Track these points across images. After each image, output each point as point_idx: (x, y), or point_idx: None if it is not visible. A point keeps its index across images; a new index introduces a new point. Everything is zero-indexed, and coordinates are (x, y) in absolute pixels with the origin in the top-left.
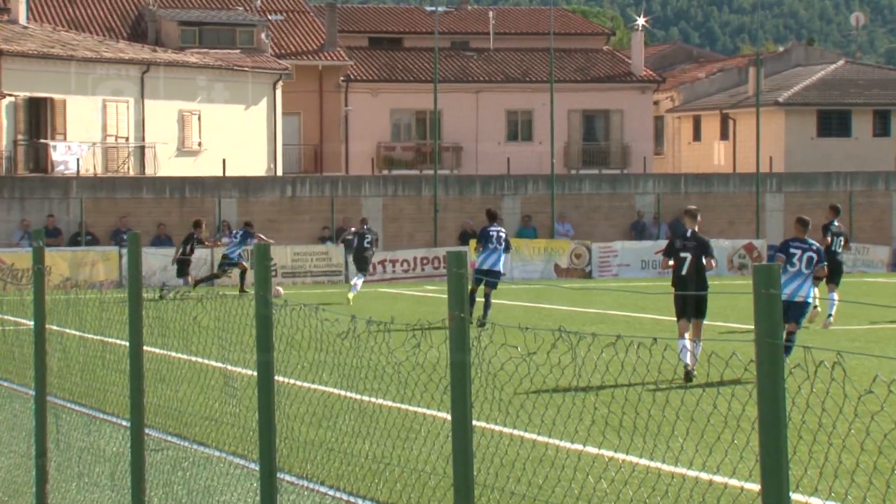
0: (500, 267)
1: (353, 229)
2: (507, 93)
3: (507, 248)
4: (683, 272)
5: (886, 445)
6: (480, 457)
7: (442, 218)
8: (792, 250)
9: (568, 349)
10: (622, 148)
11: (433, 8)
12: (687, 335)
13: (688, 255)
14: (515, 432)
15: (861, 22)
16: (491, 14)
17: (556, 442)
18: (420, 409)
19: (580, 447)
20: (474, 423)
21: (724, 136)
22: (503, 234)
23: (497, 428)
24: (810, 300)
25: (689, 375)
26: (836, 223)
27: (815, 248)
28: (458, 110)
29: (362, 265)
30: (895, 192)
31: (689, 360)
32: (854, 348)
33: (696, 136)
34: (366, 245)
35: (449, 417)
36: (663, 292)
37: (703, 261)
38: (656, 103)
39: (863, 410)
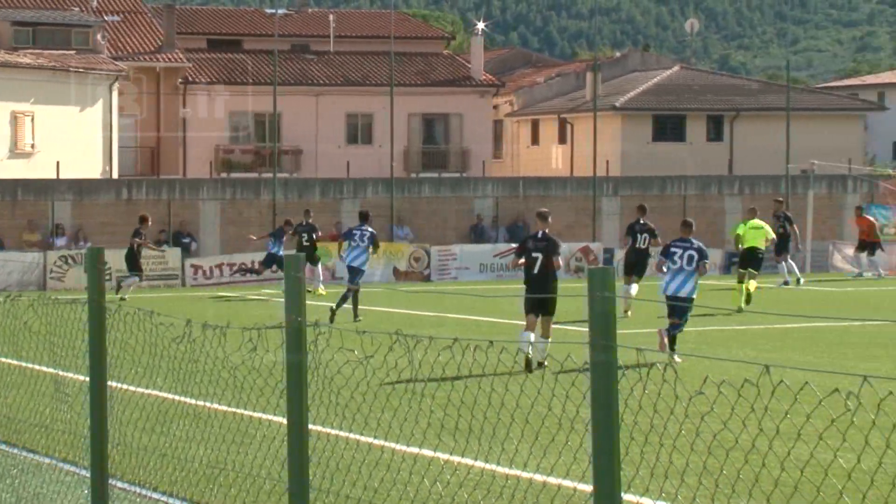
0: (358, 263)
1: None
2: (347, 96)
3: (374, 247)
4: (535, 271)
5: (715, 446)
6: (316, 461)
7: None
8: (673, 249)
9: (405, 352)
10: (462, 151)
11: (273, 10)
12: (532, 332)
13: (539, 255)
14: (352, 436)
15: (695, 28)
16: (331, 17)
17: (393, 445)
18: (255, 414)
19: (416, 450)
20: (310, 426)
21: (561, 140)
22: (367, 233)
23: (333, 431)
24: (693, 296)
25: (529, 365)
26: (641, 221)
27: (696, 246)
28: (298, 113)
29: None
30: (728, 196)
31: (529, 351)
32: (685, 350)
33: (535, 140)
34: (304, 243)
35: (285, 421)
36: (502, 295)
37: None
38: (495, 107)
39: (693, 411)
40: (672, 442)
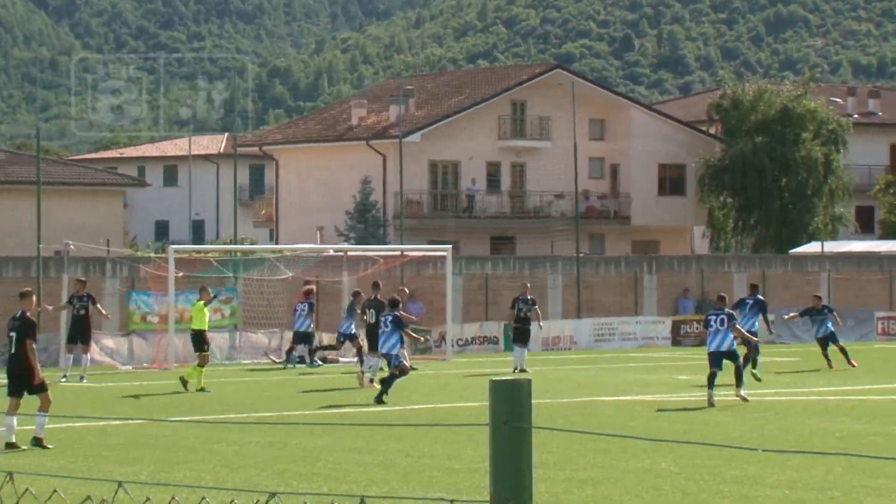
0: None
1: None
2: None
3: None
4: (13, 350)
5: None
6: None
7: None
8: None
9: None
10: None
11: None
12: (16, 413)
13: (14, 334)
14: None
15: None
16: None
17: None
18: None
19: None
20: None
21: None
22: None
23: None
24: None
25: (11, 445)
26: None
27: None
28: None
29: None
30: None
31: (12, 438)
32: None
33: None
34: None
35: None
36: None
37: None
38: None
39: None
40: None
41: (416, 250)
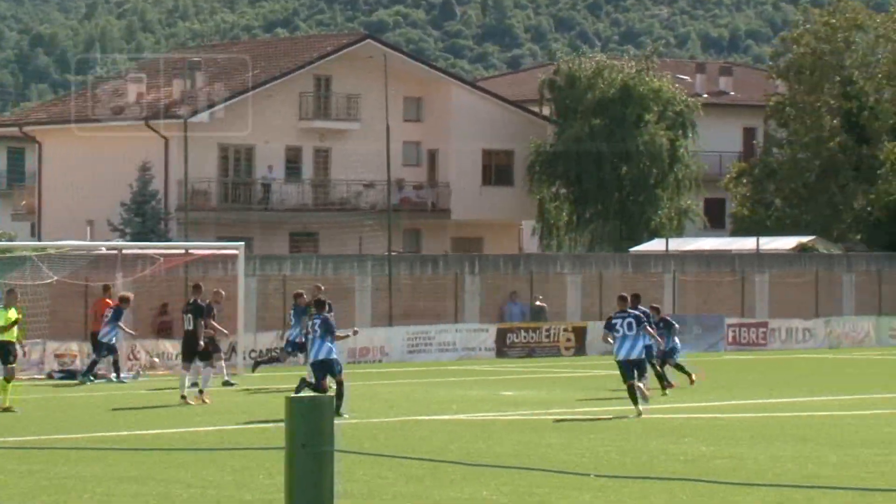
0: None
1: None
2: None
3: None
4: None
5: None
6: None
7: None
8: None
9: None
10: None
11: None
12: None
13: None
14: None
15: None
16: None
17: None
18: None
19: None
20: None
21: None
22: None
23: None
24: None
25: None
26: None
27: None
28: None
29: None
30: None
31: None
32: None
33: None
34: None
35: None
36: None
37: None
38: None
39: None
40: None
41: (202, 248)
